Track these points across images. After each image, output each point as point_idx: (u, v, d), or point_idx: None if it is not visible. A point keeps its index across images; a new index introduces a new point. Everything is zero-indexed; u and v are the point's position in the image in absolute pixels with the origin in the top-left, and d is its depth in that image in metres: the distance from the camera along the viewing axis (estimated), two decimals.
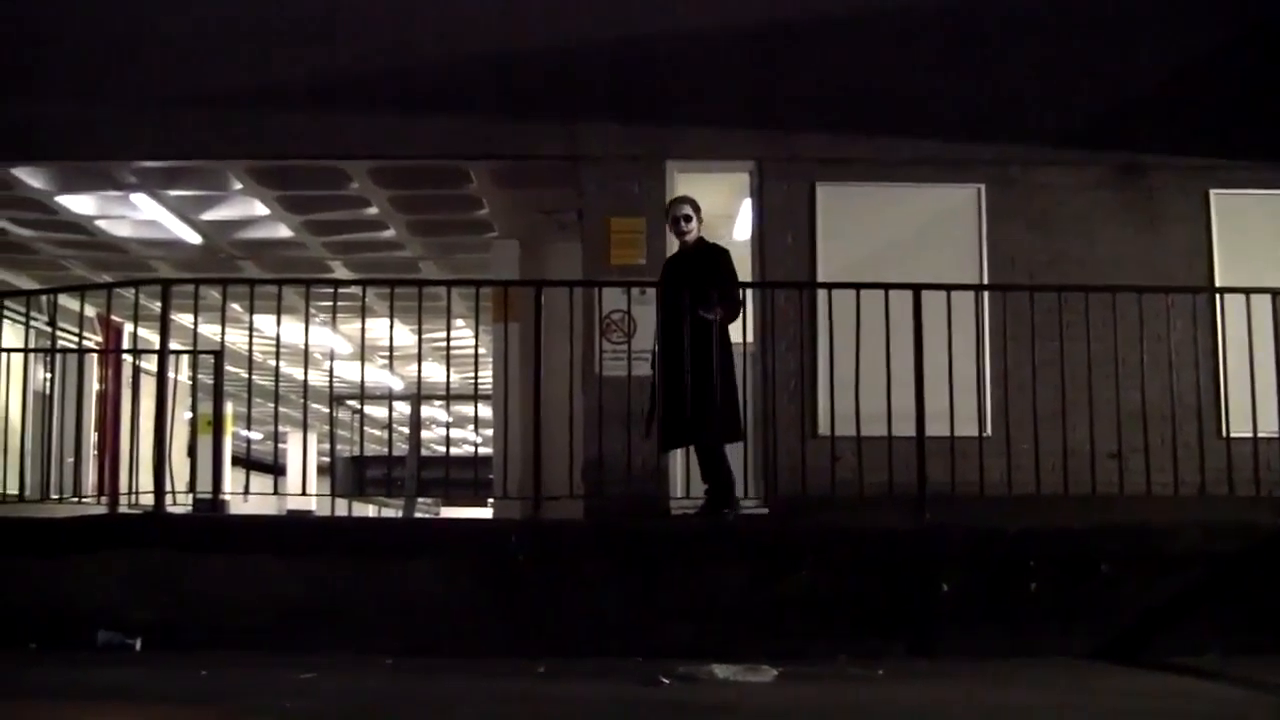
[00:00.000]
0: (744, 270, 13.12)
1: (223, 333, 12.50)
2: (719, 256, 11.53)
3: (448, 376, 13.56)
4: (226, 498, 13.01)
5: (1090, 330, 11.23)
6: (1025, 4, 13.45)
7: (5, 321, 16.01)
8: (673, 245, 11.89)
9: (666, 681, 8.30)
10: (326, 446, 22.30)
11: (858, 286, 11.12)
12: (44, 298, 16.34)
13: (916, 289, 11.06)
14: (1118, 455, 11.09)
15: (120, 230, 17.46)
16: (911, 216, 13.17)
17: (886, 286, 11.02)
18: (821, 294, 12.21)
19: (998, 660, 9.59)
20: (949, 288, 11.14)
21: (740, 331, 11.61)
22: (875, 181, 13.17)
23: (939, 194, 13.24)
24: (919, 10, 13.24)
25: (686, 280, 11.31)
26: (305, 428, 29.96)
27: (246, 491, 12.69)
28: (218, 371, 12.76)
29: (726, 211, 14.82)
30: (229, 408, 22.28)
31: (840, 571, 10.21)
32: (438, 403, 26.82)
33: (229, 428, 27.37)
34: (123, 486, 12.16)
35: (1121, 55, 13.43)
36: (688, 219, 11.56)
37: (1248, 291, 11.38)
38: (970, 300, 11.61)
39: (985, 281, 12.86)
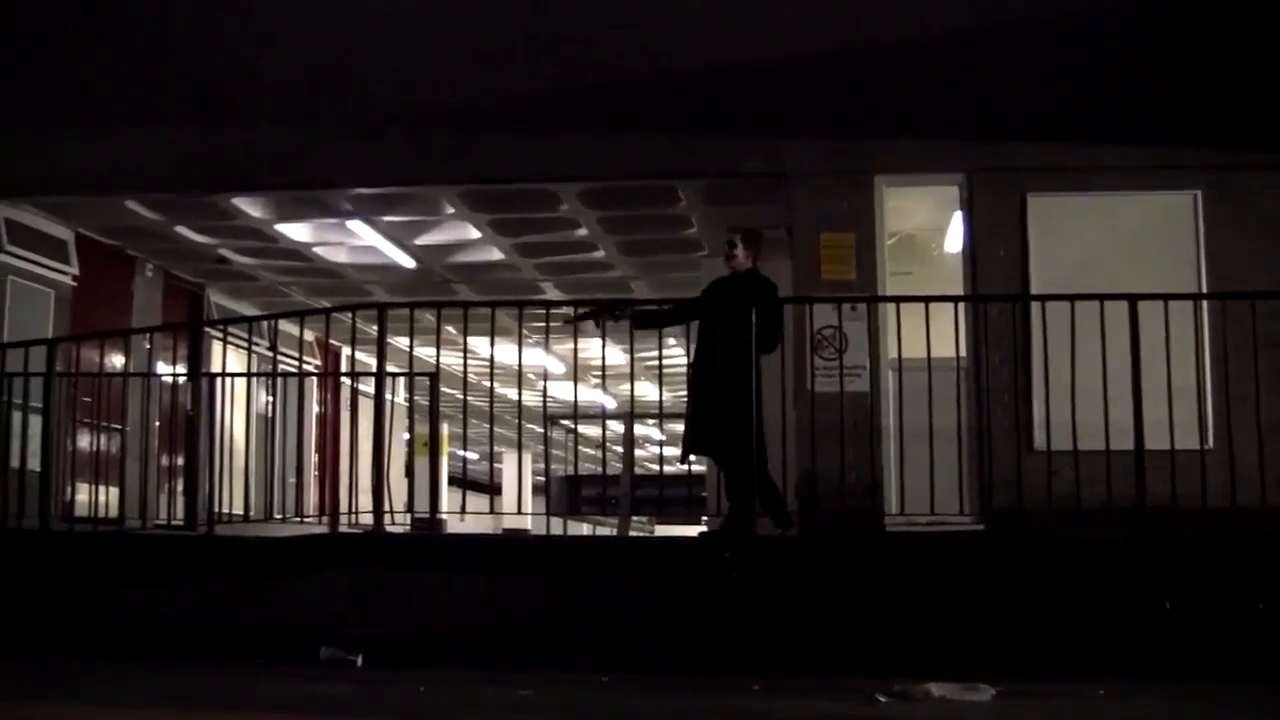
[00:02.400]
0: (955, 284, 13.01)
1: (438, 355, 12.69)
2: (767, 290, 11.90)
3: (660, 395, 13.62)
4: (443, 517, 13.19)
5: None
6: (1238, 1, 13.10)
7: (229, 347, 16.43)
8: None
9: (882, 699, 8.23)
10: (541, 466, 22.48)
11: (1072, 298, 10.95)
12: (265, 323, 16.75)
13: (1132, 299, 10.86)
14: None
15: (337, 256, 17.81)
16: (1126, 225, 12.86)
17: (1101, 297, 10.84)
18: (1035, 306, 12.02)
19: (1223, 681, 9.36)
20: (1166, 297, 10.91)
21: (953, 345, 11.54)
22: (1088, 191, 12.90)
23: (1154, 201, 12.91)
24: (1129, 12, 12.95)
25: (731, 306, 11.61)
26: (520, 447, 30.23)
27: (463, 511, 12.84)
28: (433, 393, 12.95)
29: (937, 225, 14.67)
30: (445, 428, 22.59)
31: (1058, 587, 10.05)
32: (651, 421, 26.93)
33: (445, 448, 27.74)
34: (342, 506, 12.39)
35: None
36: (732, 245, 12.01)
37: None
38: (1188, 309, 11.36)
39: (1203, 290, 12.53)
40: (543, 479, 17.97)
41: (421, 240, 16.97)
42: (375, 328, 11.97)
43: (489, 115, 13.64)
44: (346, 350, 19.98)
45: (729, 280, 12.03)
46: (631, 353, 13.06)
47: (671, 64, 13.43)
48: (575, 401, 12.71)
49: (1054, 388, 11.06)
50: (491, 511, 14.67)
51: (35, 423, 12.61)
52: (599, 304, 12.28)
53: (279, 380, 13.58)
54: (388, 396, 11.96)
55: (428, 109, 13.76)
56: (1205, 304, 11.94)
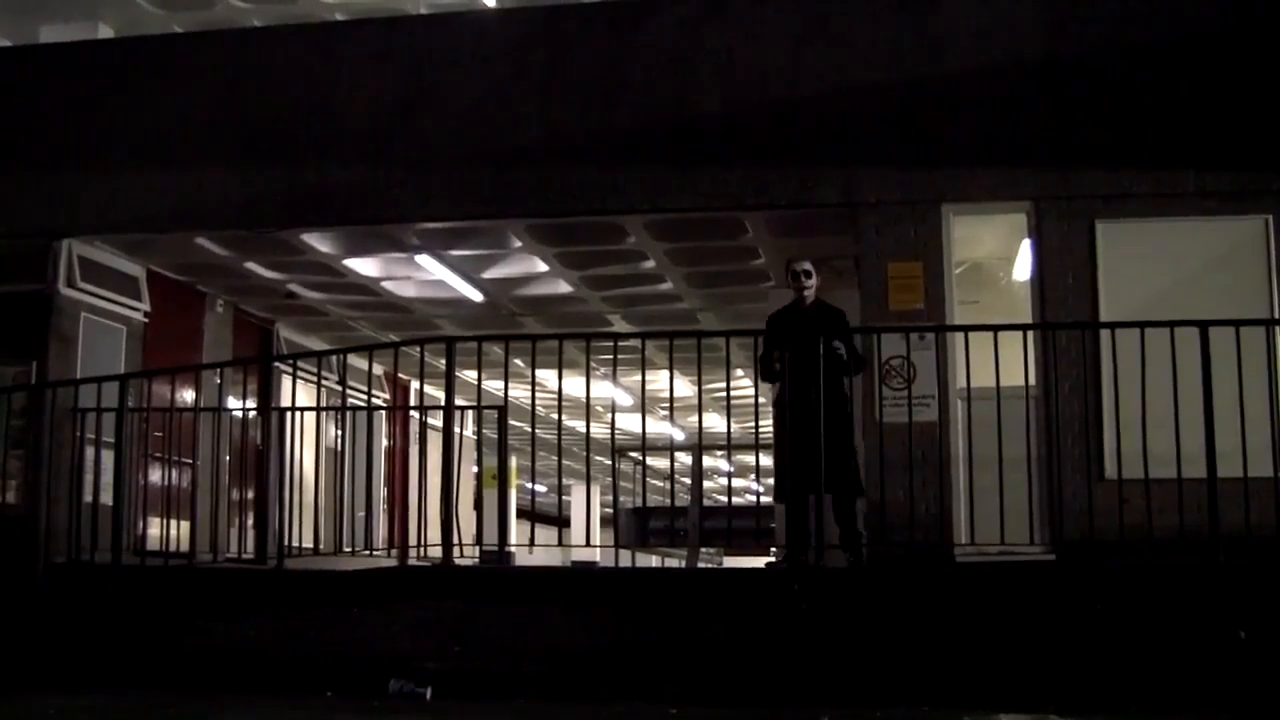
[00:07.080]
0: (1024, 312, 12.93)
1: (506, 388, 12.72)
2: (840, 317, 12.18)
3: (728, 426, 13.59)
4: (512, 549, 13.20)
5: None
6: None
7: (299, 381, 16.53)
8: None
9: None
10: (609, 498, 22.51)
11: (1141, 325, 10.87)
12: (334, 357, 16.85)
13: (1203, 325, 10.77)
14: None
15: (405, 290, 17.89)
16: (1196, 251, 12.73)
17: (1171, 324, 10.75)
18: (1105, 333, 11.93)
19: None
20: (1238, 323, 10.80)
21: (1022, 373, 11.47)
22: (1157, 217, 12.78)
23: (1224, 226, 12.77)
24: (1198, 38, 12.86)
25: (805, 335, 11.72)
26: (588, 480, 30.25)
27: (531, 543, 12.90)
28: (502, 426, 12.98)
29: (1005, 253, 14.60)
30: (513, 461, 22.62)
31: (1130, 617, 9.96)
32: (719, 453, 26.86)
33: (513, 481, 27.81)
34: (412, 539, 12.44)
35: None
36: (808, 275, 12.28)
37: None
38: (1261, 335, 11.24)
39: (1276, 315, 12.40)
40: (611, 511, 17.98)
41: (489, 274, 17.03)
42: (443, 361, 12.02)
43: (559, 149, 13.68)
44: (415, 384, 20.08)
45: (795, 311, 12.04)
46: (699, 384, 13.03)
47: (741, 96, 13.44)
48: (643, 433, 12.69)
49: (1124, 416, 10.96)
50: (560, 544, 14.59)
51: (108, 457, 12.72)
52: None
53: (348, 414, 13.65)
54: (456, 429, 11.99)
55: (498, 144, 13.82)
56: (1278, 329, 11.81)
